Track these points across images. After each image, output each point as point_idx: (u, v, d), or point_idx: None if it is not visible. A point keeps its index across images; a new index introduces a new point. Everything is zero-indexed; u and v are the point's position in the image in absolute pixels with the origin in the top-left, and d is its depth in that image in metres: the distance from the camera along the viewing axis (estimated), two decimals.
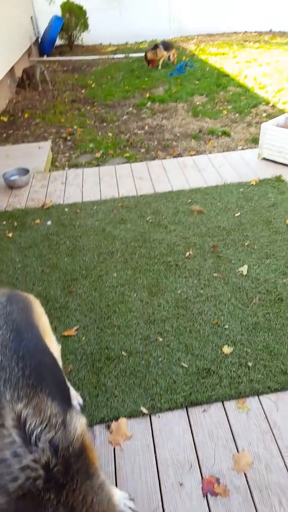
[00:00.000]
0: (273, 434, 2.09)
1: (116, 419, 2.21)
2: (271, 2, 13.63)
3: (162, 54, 9.54)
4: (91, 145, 5.96)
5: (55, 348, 1.94)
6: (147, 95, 7.95)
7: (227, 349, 2.52)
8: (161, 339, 2.64)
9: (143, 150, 5.73)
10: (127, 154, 5.59)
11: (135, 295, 3.02)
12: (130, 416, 2.22)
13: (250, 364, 2.42)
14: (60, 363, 1.99)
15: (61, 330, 2.79)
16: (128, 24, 14.23)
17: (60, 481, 1.25)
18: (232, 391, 2.29)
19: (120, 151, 5.78)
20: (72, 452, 1.31)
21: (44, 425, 1.31)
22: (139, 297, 3.00)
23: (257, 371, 2.38)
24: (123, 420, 2.20)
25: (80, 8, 12.82)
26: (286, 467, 1.95)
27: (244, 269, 3.12)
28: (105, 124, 6.83)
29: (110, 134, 6.35)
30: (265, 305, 2.80)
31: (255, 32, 13.88)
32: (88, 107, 7.68)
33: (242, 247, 3.36)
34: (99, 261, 3.41)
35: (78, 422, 1.40)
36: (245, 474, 1.94)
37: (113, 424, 2.18)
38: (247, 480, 1.92)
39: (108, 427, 2.19)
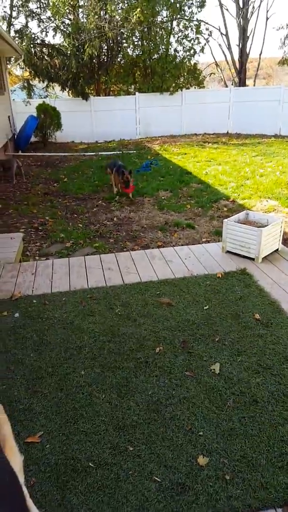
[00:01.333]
0: None
1: None
2: (227, 109, 15.45)
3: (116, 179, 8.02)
4: (62, 235, 6.06)
5: (16, 462, 1.72)
6: (115, 190, 8.39)
7: (202, 460, 2.34)
8: (131, 448, 2.43)
9: (112, 240, 5.88)
10: (97, 244, 5.69)
11: (103, 396, 2.84)
12: None
13: (227, 477, 2.24)
14: (21, 478, 1.76)
15: (24, 436, 2.53)
16: (98, 124, 15.58)
17: None
18: (209, 511, 2.07)
19: (90, 241, 5.89)
20: None
21: None
22: (108, 398, 2.82)
23: (236, 485, 2.20)
24: None
25: (54, 109, 13.99)
26: None
27: (216, 367, 3.04)
28: (75, 215, 7.05)
29: (80, 225, 6.52)
30: (240, 408, 2.69)
31: (214, 134, 15.45)
32: (60, 200, 7.96)
33: (213, 342, 3.33)
34: (66, 357, 3.25)
35: None
36: None
37: None
38: None
39: None
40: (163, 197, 7.76)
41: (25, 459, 2.37)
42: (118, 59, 16.88)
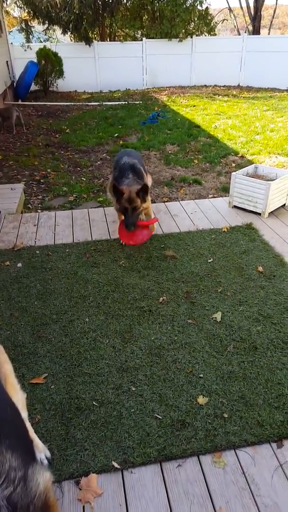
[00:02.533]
0: (251, 490, 2.05)
1: (86, 474, 2.11)
2: (238, 59, 14.86)
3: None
4: (64, 188, 6.06)
5: (18, 398, 1.86)
6: (121, 142, 8.26)
7: (202, 400, 2.50)
8: (134, 389, 2.59)
9: None
10: (101, 199, 5.70)
11: (107, 341, 2.98)
12: (101, 471, 2.13)
13: (225, 415, 2.40)
14: (24, 413, 1.91)
15: (29, 377, 2.69)
16: (102, 73, 15.03)
17: None
18: (207, 444, 2.24)
19: (94, 195, 5.90)
20: (32, 511, 1.22)
21: (2, 480, 1.23)
22: (112, 343, 2.96)
23: (233, 423, 2.36)
24: (93, 476, 2.10)
25: (55, 55, 13.46)
26: None
27: (218, 316, 3.16)
28: (79, 168, 7.00)
29: (84, 179, 6.49)
30: (240, 353, 2.83)
31: (224, 86, 14.95)
32: (62, 152, 7.87)
33: (216, 293, 3.43)
34: (70, 305, 3.37)
35: (42, 478, 1.32)
36: None
37: (83, 480, 2.08)
38: None
39: (78, 483, 2.08)
40: (170, 151, 7.66)
41: (30, 398, 2.54)
42: (124, 0, 16.03)
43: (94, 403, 2.50)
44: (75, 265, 3.92)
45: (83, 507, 1.99)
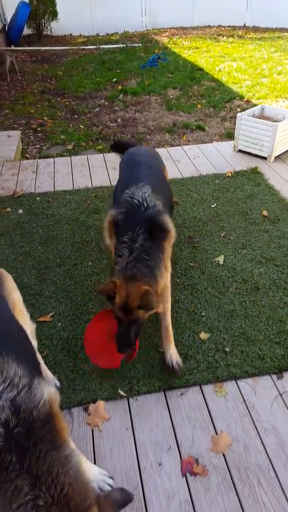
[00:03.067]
0: (251, 416, 2.18)
1: (94, 401, 2.24)
2: None
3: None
4: (62, 136, 5.95)
5: (28, 325, 1.95)
6: (119, 87, 7.99)
7: (204, 335, 2.60)
8: None
9: None
10: (100, 147, 5.61)
11: None
12: (108, 398, 2.26)
13: (227, 349, 2.51)
14: (34, 342, 2.00)
15: (36, 315, 2.79)
16: (99, 14, 14.23)
17: (21, 444, 1.24)
18: (209, 375, 2.36)
19: (93, 143, 5.79)
20: (36, 417, 1.30)
21: (6, 384, 1.31)
22: None
23: (234, 356, 2.47)
24: (101, 403, 2.23)
25: None
26: (265, 449, 2.04)
27: (220, 259, 3.21)
28: (76, 116, 6.82)
29: (82, 126, 6.34)
30: (242, 294, 2.90)
31: (229, 26, 14.20)
32: (59, 99, 7.63)
33: (218, 237, 3.46)
34: (73, 250, 3.42)
35: (47, 389, 1.40)
36: (223, 455, 2.02)
37: (91, 407, 2.22)
38: (225, 461, 1.99)
39: (86, 409, 2.22)
40: (171, 96, 7.42)
41: (39, 335, 2.63)
42: None
43: None
44: (76, 212, 3.93)
45: (92, 430, 2.14)
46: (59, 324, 2.74)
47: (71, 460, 1.34)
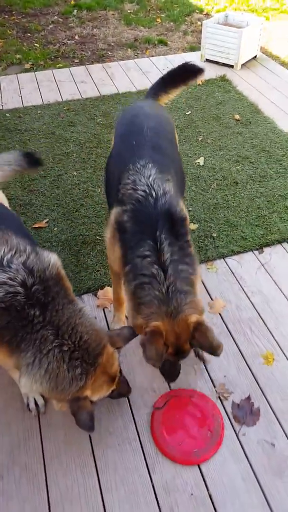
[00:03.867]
0: (239, 284, 2.59)
1: (102, 288, 2.55)
2: None
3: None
4: (18, 56, 5.70)
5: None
6: (72, 2, 7.55)
7: (193, 226, 2.93)
8: None
9: (76, 60, 5.63)
10: (60, 65, 5.47)
11: (99, 190, 3.27)
12: None
13: (214, 235, 2.87)
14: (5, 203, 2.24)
15: (31, 223, 2.99)
16: None
17: (41, 300, 1.48)
18: (201, 257, 2.72)
19: (52, 62, 5.62)
20: (49, 276, 1.54)
21: (14, 252, 1.52)
22: (104, 191, 3.25)
23: (221, 239, 2.84)
24: (108, 288, 2.54)
25: None
26: (253, 306, 2.47)
27: (200, 160, 3.48)
28: (29, 34, 6.47)
29: (37, 45, 6.08)
30: (223, 189, 3.23)
31: None
32: (6, 16, 7.13)
33: (196, 142, 3.71)
34: (55, 162, 3.56)
35: (52, 255, 1.64)
36: (220, 314, 2.43)
37: (99, 292, 2.53)
38: (222, 318, 2.41)
39: (95, 294, 2.53)
40: (129, 10, 7.15)
41: (37, 240, 2.87)
42: None
43: (97, 237, 2.87)
44: (51, 125, 3.99)
45: (103, 310, 2.47)
46: (55, 229, 2.96)
47: (85, 312, 1.61)
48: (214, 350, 1.61)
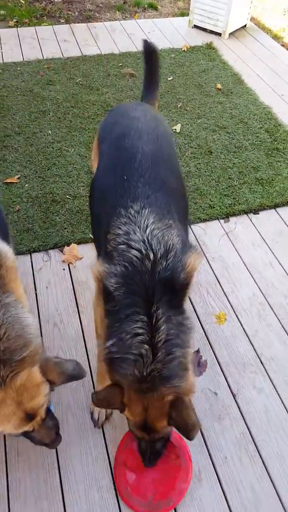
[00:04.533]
0: (202, 250, 2.74)
1: (68, 244, 2.67)
2: None
3: None
4: (2, 12, 5.62)
5: None
6: None
7: None
8: None
9: (62, 20, 5.57)
10: (45, 24, 5.41)
11: (72, 150, 3.34)
12: (80, 242, 2.70)
13: None
14: None
15: (3, 178, 3.07)
16: None
17: None
18: None
19: (37, 20, 5.54)
20: None
21: None
22: (77, 152, 3.33)
23: (189, 207, 2.95)
24: (74, 245, 2.67)
25: None
26: (213, 271, 2.62)
27: (177, 127, 3.57)
28: None
29: (22, 1, 5.98)
30: (196, 157, 3.33)
31: None
32: None
33: (175, 108, 3.78)
34: (30, 119, 3.60)
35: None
36: None
37: (66, 248, 2.65)
38: None
39: (61, 250, 2.65)
40: None
41: (8, 195, 2.97)
42: None
43: (67, 196, 2.97)
44: (30, 83, 4.01)
45: (68, 265, 2.60)
46: (26, 185, 3.05)
47: (11, 309, 1.40)
48: (188, 432, 1.37)
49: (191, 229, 2.85)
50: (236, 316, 2.38)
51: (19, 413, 1.31)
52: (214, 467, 1.80)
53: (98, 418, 1.91)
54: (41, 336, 2.16)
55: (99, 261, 1.54)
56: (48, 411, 1.45)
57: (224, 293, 2.50)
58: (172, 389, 1.36)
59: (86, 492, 1.74)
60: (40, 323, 2.34)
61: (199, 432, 1.84)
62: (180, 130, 3.56)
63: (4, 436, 1.81)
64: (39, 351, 1.38)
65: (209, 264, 2.66)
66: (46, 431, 1.44)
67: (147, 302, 1.41)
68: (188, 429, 1.36)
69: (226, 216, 2.94)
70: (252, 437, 1.89)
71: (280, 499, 1.73)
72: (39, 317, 2.36)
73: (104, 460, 1.83)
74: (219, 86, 4.02)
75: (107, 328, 1.48)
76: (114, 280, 1.46)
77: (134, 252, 1.46)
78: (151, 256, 1.45)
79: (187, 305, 1.74)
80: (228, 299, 2.47)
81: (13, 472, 1.77)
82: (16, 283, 1.56)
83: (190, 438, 1.37)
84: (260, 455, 1.84)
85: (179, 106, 3.80)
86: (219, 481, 1.77)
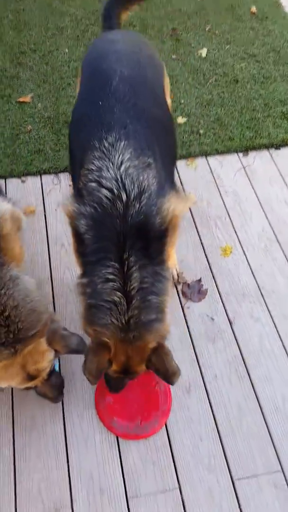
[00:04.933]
0: (216, 183, 2.73)
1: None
2: None
3: None
4: None
5: None
6: None
7: (181, 119, 2.99)
8: None
9: None
10: None
11: None
12: None
13: (201, 131, 2.94)
14: None
15: (16, 96, 3.06)
16: None
17: None
18: (183, 152, 2.83)
19: None
20: None
21: None
22: None
23: (207, 137, 2.92)
24: None
25: None
26: (224, 204, 2.62)
27: (203, 52, 3.43)
28: None
29: None
30: (221, 85, 3.23)
31: None
32: None
33: (203, 31, 3.61)
34: (47, 36, 3.51)
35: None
36: (190, 210, 2.59)
37: None
38: (191, 211, 2.57)
39: None
40: None
41: (20, 114, 2.99)
42: None
43: None
44: None
45: None
46: (39, 105, 3.03)
47: (19, 282, 1.48)
48: (169, 377, 1.45)
49: (207, 160, 2.83)
50: (243, 250, 2.42)
51: (22, 374, 1.50)
52: (204, 382, 1.94)
53: None
54: (49, 256, 2.27)
55: (70, 199, 1.47)
56: (53, 371, 1.64)
57: (233, 227, 2.52)
58: (155, 334, 1.41)
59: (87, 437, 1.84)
60: (48, 243, 2.43)
61: (192, 349, 1.95)
62: (206, 55, 3.42)
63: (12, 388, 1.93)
64: (48, 323, 1.52)
65: (222, 198, 2.66)
66: (48, 388, 1.65)
67: (119, 248, 1.36)
68: (169, 375, 1.44)
69: (246, 150, 2.89)
70: (243, 360, 2.00)
71: (264, 418, 1.85)
72: (47, 238, 2.45)
73: None
74: (253, 9, 3.79)
75: (81, 266, 1.50)
76: (84, 221, 1.41)
77: (105, 191, 1.39)
78: (124, 197, 1.37)
79: (173, 259, 1.89)
80: (236, 233, 2.49)
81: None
82: (16, 243, 1.66)
83: (171, 383, 1.48)
84: (249, 376, 1.95)
85: (207, 29, 3.63)
86: (208, 395, 1.90)
